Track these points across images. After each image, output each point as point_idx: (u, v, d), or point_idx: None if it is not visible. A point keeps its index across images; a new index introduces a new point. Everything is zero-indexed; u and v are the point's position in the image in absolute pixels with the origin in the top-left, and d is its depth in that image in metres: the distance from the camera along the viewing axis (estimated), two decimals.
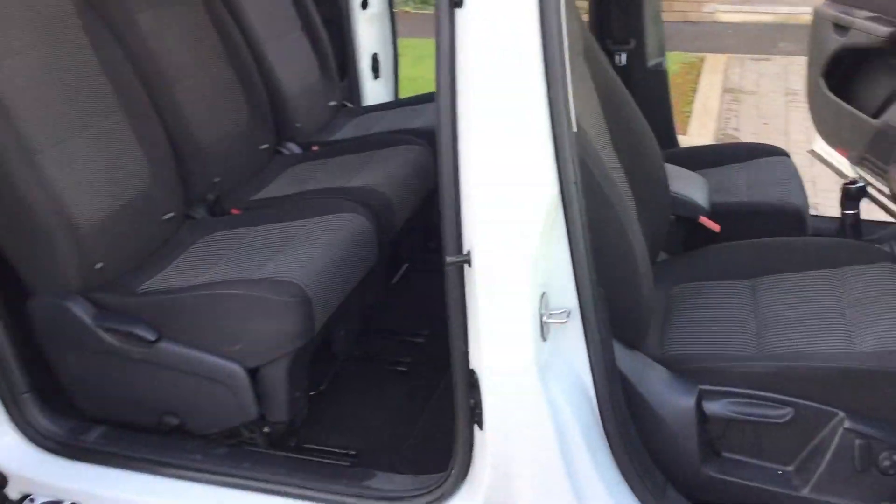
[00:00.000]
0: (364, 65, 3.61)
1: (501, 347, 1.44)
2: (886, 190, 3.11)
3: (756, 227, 2.31)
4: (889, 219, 3.12)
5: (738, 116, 5.60)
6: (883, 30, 2.92)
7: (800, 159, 4.10)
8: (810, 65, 3.54)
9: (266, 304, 1.93)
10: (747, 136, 5.23)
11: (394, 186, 2.51)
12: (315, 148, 3.04)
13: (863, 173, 3.20)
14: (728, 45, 7.23)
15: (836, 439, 1.58)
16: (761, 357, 1.67)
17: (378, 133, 3.06)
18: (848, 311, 1.78)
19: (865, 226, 2.93)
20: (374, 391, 2.35)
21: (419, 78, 5.30)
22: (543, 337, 1.45)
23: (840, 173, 3.53)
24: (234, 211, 2.56)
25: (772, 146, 2.71)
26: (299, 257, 2.08)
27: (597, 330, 1.48)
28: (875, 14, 3.06)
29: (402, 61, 3.91)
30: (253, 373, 1.97)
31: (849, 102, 3.25)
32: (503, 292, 1.42)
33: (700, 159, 2.69)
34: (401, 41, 3.85)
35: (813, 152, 3.78)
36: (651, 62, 2.87)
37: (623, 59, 2.78)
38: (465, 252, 1.44)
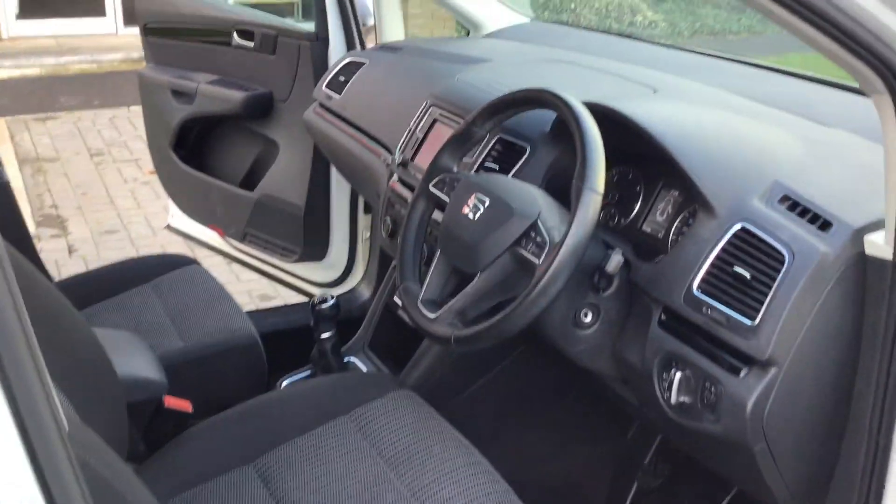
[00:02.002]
0: None
1: None
2: (278, 262, 2.90)
3: (214, 375, 1.83)
4: (301, 297, 2.94)
5: (51, 190, 4.88)
6: (237, 95, 2.66)
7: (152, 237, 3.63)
8: (152, 137, 3.11)
9: None
10: (70, 211, 4.57)
11: None
12: None
13: (248, 248, 2.94)
14: (3, 107, 6.32)
15: None
16: None
17: None
18: (397, 476, 1.44)
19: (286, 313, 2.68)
20: None
21: None
22: None
23: (215, 249, 3.22)
24: None
25: (178, 256, 2.22)
26: None
27: None
28: (218, 77, 2.78)
29: None
30: None
31: (209, 172, 2.94)
32: None
33: (87, 292, 2.06)
34: None
35: (171, 228, 3.39)
36: None
37: None
38: None
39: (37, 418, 0.66)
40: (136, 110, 6.39)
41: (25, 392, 0.66)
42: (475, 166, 1.62)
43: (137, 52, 7.50)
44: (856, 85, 1.71)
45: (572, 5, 8.78)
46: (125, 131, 6.06)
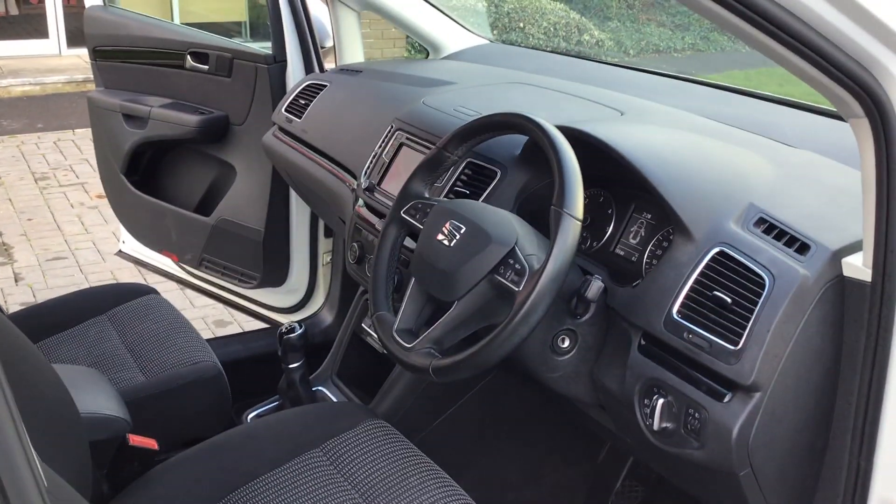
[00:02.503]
0: None
1: None
2: (236, 288, 2.84)
3: (178, 410, 1.77)
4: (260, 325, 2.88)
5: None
6: (191, 118, 2.60)
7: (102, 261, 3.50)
8: (103, 161, 3.03)
9: None
10: (15, 238, 4.44)
11: None
12: None
13: (204, 274, 2.87)
14: None
15: None
16: None
17: None
18: None
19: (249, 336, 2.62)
20: None
21: None
22: None
23: (169, 275, 3.14)
24: None
25: (135, 285, 2.15)
26: None
27: None
28: (172, 100, 2.72)
29: None
30: None
31: (162, 198, 2.87)
32: None
33: (39, 325, 1.98)
34: None
35: (122, 254, 3.30)
36: None
37: None
38: None
39: (17, 479, 0.61)
40: (82, 133, 6.28)
41: (2, 450, 0.62)
42: (445, 190, 1.60)
43: (81, 73, 7.38)
44: (819, 106, 1.74)
45: (521, 24, 8.85)
46: (70, 154, 5.92)
